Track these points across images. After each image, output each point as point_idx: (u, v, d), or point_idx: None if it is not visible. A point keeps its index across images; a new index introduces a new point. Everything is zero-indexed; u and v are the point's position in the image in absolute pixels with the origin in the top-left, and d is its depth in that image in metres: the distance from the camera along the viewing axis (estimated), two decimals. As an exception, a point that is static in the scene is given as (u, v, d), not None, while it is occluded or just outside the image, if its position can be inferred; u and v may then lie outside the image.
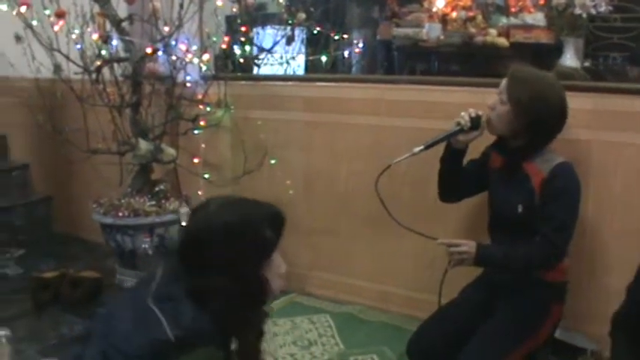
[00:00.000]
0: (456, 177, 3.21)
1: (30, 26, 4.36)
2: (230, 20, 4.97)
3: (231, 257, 1.88)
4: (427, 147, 3.07)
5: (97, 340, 1.90)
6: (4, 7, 4.39)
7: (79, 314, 4.24)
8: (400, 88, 4.10)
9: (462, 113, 3.07)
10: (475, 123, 3.05)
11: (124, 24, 4.40)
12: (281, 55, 4.74)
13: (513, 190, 2.98)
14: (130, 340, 1.80)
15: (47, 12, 4.36)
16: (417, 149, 3.05)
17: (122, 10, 4.45)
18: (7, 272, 5.03)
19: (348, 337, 3.79)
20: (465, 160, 3.22)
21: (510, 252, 2.88)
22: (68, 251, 5.43)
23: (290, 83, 4.54)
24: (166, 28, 4.30)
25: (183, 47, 4.35)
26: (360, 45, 5.36)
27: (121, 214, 4.25)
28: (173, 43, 4.32)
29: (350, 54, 5.17)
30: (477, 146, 3.21)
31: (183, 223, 4.24)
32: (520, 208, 2.94)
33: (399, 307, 4.09)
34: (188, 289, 1.87)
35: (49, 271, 4.61)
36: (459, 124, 3.06)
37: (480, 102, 3.21)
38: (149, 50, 4.24)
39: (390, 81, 4.28)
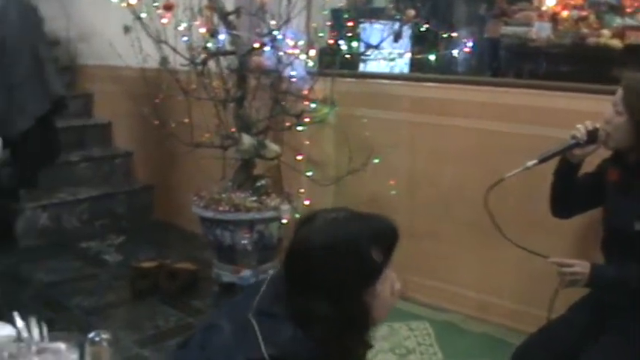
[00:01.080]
0: (569, 191, 3.05)
1: (138, 18, 4.39)
2: (337, 14, 4.90)
3: (332, 279, 1.77)
4: (541, 161, 2.93)
5: (193, 350, 1.85)
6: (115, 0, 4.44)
7: (175, 306, 4.27)
8: (509, 91, 3.96)
9: (578, 125, 2.91)
10: (592, 136, 2.89)
11: (231, 17, 4.38)
12: (389, 51, 4.65)
13: (631, 206, 2.82)
14: (224, 355, 1.74)
15: (155, 4, 4.39)
16: (530, 163, 2.91)
17: (229, 3, 4.44)
18: (107, 259, 5.11)
19: (447, 347, 3.69)
20: (580, 174, 3.07)
21: (627, 272, 2.73)
22: (166, 240, 5.49)
23: (397, 82, 4.45)
24: (273, 22, 4.26)
25: (290, 42, 4.31)
26: (470, 44, 5.22)
27: (221, 208, 4.23)
28: (280, 37, 4.27)
29: (459, 53, 5.03)
30: (592, 160, 3.06)
31: (284, 221, 4.21)
32: (637, 226, 2.78)
33: (501, 318, 3.96)
34: (289, 308, 1.78)
35: (148, 261, 4.65)
36: (575, 137, 2.91)
37: (593, 110, 3.06)
38: (257, 45, 4.20)
39: (501, 84, 4.14)
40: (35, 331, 1.82)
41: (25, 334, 1.80)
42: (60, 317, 4.10)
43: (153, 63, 4.58)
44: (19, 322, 1.84)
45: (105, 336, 1.79)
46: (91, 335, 1.80)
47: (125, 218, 5.85)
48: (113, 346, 1.83)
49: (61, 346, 1.78)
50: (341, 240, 1.76)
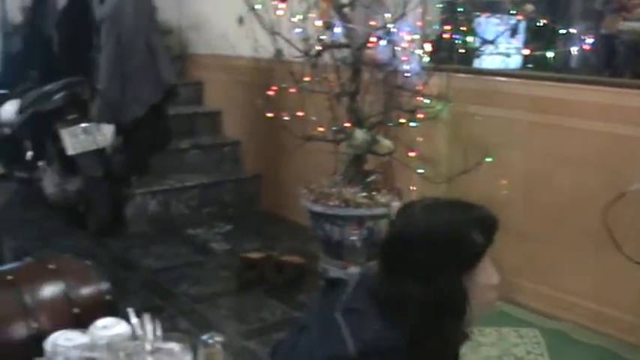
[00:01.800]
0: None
1: (253, 9, 4.39)
2: (451, 8, 4.78)
3: (432, 261, 1.72)
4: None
5: (285, 352, 1.83)
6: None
7: (281, 299, 4.25)
8: (630, 92, 3.78)
9: None
10: None
11: (346, 9, 4.33)
12: (505, 47, 4.52)
13: None
14: (311, 355, 1.71)
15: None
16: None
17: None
18: (214, 247, 5.14)
19: (558, 357, 3.55)
20: None
21: None
22: (273, 231, 5.48)
23: (515, 80, 4.31)
24: (388, 15, 4.19)
25: (405, 36, 4.22)
26: (590, 41, 5.03)
27: (331, 203, 4.18)
28: (394, 30, 4.20)
29: (578, 50, 4.84)
30: None
31: (392, 219, 4.13)
32: None
33: (617, 331, 3.78)
34: (380, 299, 1.74)
35: (255, 252, 4.65)
36: None
37: None
38: (373, 39, 4.14)
39: (627, 85, 3.95)
40: (149, 328, 1.80)
41: (139, 332, 1.79)
42: (167, 304, 4.14)
43: (265, 53, 4.57)
44: (134, 319, 1.83)
45: (218, 338, 1.76)
46: (204, 337, 1.77)
47: (232, 207, 5.88)
48: (227, 350, 1.80)
49: (175, 346, 1.76)
50: (441, 222, 1.74)
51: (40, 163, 5.53)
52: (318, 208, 4.25)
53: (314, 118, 4.37)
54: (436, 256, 1.70)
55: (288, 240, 5.21)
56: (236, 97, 6.13)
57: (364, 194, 4.22)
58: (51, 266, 1.88)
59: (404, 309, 1.69)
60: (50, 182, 5.38)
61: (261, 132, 5.76)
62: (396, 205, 4.15)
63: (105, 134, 5.23)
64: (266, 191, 5.97)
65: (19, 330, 1.77)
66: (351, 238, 4.16)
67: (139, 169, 5.44)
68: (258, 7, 4.37)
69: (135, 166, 5.41)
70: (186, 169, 5.90)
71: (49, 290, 1.84)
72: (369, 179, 4.30)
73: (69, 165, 5.22)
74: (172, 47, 6.41)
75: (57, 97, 5.17)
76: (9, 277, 1.81)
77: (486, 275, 1.76)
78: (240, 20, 4.41)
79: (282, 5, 4.34)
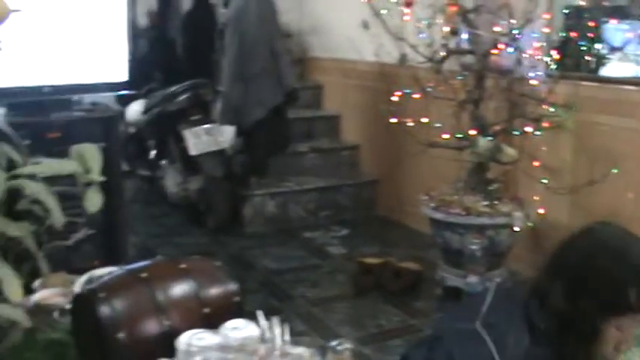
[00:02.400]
0: None
1: (378, 14, 4.37)
2: (577, 14, 4.64)
3: (586, 292, 1.67)
4: None
5: None
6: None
7: (398, 306, 4.22)
8: None
9: None
10: None
11: (471, 15, 4.26)
12: (634, 54, 4.36)
13: None
14: None
15: (393, 0, 4.35)
16: None
17: (469, 0, 4.32)
18: (330, 250, 5.14)
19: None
20: None
21: None
22: (389, 236, 5.45)
23: (645, 89, 4.16)
24: (514, 21, 4.10)
25: (531, 42, 4.13)
26: None
27: (452, 210, 4.13)
28: (520, 37, 4.11)
29: None
30: None
31: (516, 229, 4.05)
32: None
33: None
34: (525, 316, 1.70)
35: (372, 257, 4.63)
36: None
37: None
38: (501, 46, 4.07)
39: None
40: (277, 331, 1.80)
41: (268, 335, 1.79)
42: (284, 306, 4.16)
43: (387, 58, 4.54)
44: (263, 322, 1.84)
45: (348, 345, 1.74)
46: (333, 344, 1.76)
47: (349, 211, 5.87)
48: (357, 358, 1.79)
49: (304, 351, 1.75)
50: (613, 255, 1.70)
51: (163, 162, 5.67)
52: (438, 216, 4.20)
53: (439, 125, 4.31)
54: (592, 286, 1.69)
55: (405, 246, 5.17)
56: (355, 101, 6.14)
57: (486, 203, 4.14)
58: (182, 265, 1.91)
59: (546, 332, 1.66)
60: (172, 181, 5.51)
61: (379, 137, 5.75)
62: (519, 215, 4.07)
63: (226, 135, 5.32)
64: (383, 196, 5.93)
65: (152, 326, 1.79)
66: (471, 246, 4.09)
67: (258, 171, 5.50)
68: (383, 12, 4.35)
69: (254, 168, 5.48)
70: (304, 172, 5.93)
71: (181, 289, 1.86)
72: (490, 188, 4.22)
73: (190, 164, 5.33)
74: (292, 51, 6.46)
75: (181, 98, 5.29)
76: (143, 275, 1.85)
77: (610, 338, 1.70)
78: (365, 25, 4.38)
79: (407, 10, 4.30)
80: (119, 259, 3.98)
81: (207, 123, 5.26)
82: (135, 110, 5.76)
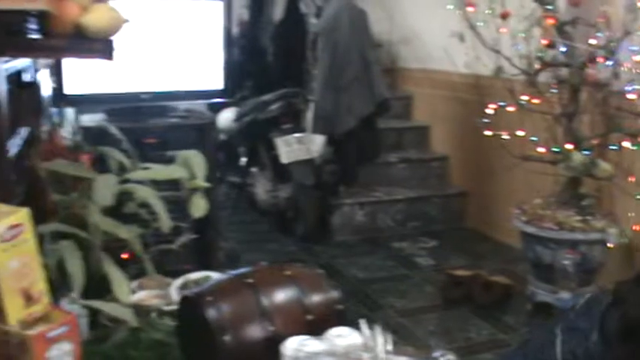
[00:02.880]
0: None
1: (473, 27, 4.36)
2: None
3: None
4: None
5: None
6: (450, 7, 4.45)
7: (487, 319, 4.19)
8: None
9: None
10: None
11: (567, 27, 4.21)
12: None
13: None
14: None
15: (488, 12, 4.33)
16: None
17: (566, 12, 4.27)
18: (419, 262, 5.14)
19: None
20: None
21: None
22: (478, 249, 5.41)
23: None
24: (611, 34, 4.04)
25: (629, 55, 4.06)
26: None
27: (544, 225, 4.08)
28: (618, 50, 4.05)
29: None
30: None
31: (609, 245, 3.98)
32: None
33: None
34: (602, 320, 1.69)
35: (462, 269, 4.62)
36: None
37: None
38: (598, 59, 4.01)
39: None
40: (380, 340, 1.82)
41: (371, 343, 1.81)
42: (374, 316, 4.17)
43: (479, 69, 4.53)
44: (366, 330, 1.86)
45: (451, 357, 1.75)
46: (436, 354, 1.76)
47: (437, 222, 5.86)
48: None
49: (407, 361, 1.76)
50: None
51: (253, 169, 5.75)
52: (530, 229, 4.16)
53: (534, 138, 4.27)
54: None
55: (494, 259, 5.12)
56: (445, 112, 6.12)
57: (579, 218, 4.09)
58: (287, 272, 1.94)
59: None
60: (262, 188, 5.58)
61: (469, 148, 5.72)
62: (613, 231, 4.00)
63: (316, 144, 5.37)
64: (472, 208, 5.90)
65: (257, 331, 1.82)
66: (563, 262, 4.03)
67: (347, 180, 5.54)
68: (479, 23, 4.34)
69: (344, 177, 5.51)
70: (393, 183, 5.95)
71: (285, 295, 1.89)
72: (584, 203, 4.15)
73: (281, 172, 5.40)
74: (382, 61, 6.48)
75: (274, 106, 5.36)
76: (249, 280, 1.88)
77: None
78: (461, 37, 4.39)
79: (502, 22, 4.28)
80: (209, 264, 4.07)
81: (298, 131, 5.31)
82: (226, 118, 5.85)
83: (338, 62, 5.28)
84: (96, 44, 2.10)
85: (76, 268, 1.91)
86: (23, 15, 1.91)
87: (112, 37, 2.13)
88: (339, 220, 5.55)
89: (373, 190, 5.79)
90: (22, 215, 1.54)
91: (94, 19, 2.06)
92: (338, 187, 5.54)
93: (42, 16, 1.96)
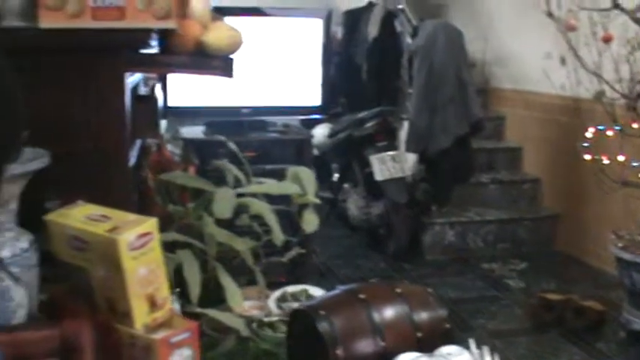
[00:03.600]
0: None
1: (574, 49, 4.35)
2: None
3: None
4: None
5: None
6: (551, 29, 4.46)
7: (579, 345, 4.15)
8: None
9: None
10: None
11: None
12: None
13: None
14: None
15: (589, 35, 4.32)
16: None
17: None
18: (509, 283, 5.11)
19: None
20: None
21: None
22: (569, 273, 5.35)
23: None
24: None
25: None
26: None
27: (640, 252, 4.04)
28: None
29: None
30: None
31: None
32: None
33: None
34: None
35: (553, 293, 4.58)
36: None
37: None
38: None
39: None
40: (488, 360, 1.84)
41: (479, 363, 1.83)
42: (466, 336, 4.16)
43: (578, 92, 4.50)
44: (475, 350, 1.88)
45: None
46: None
47: (527, 244, 5.82)
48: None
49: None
50: None
51: (345, 186, 5.80)
52: (626, 256, 4.11)
53: (636, 164, 4.22)
54: None
55: (586, 284, 5.05)
56: (538, 134, 6.09)
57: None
58: (397, 289, 1.98)
59: None
60: (354, 204, 5.63)
61: (563, 171, 5.68)
62: None
63: (410, 162, 5.40)
64: (563, 232, 5.83)
65: (368, 345, 1.87)
66: (660, 290, 3.98)
67: (440, 199, 5.55)
68: (580, 45, 4.33)
69: (437, 196, 5.52)
70: (484, 203, 5.94)
71: (396, 312, 1.93)
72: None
73: (374, 189, 5.44)
74: (475, 80, 6.47)
75: (369, 124, 5.41)
76: (361, 296, 1.93)
77: None
78: (562, 60, 4.38)
79: (604, 46, 4.26)
80: (303, 277, 4.13)
81: (392, 150, 5.35)
82: (319, 134, 5.92)
83: (434, 81, 5.31)
84: (216, 61, 2.19)
85: (193, 276, 1.99)
86: (148, 32, 2.01)
87: (231, 55, 2.22)
88: (430, 239, 5.57)
89: (464, 210, 5.79)
90: (150, 224, 1.60)
91: (215, 37, 2.15)
92: (430, 206, 5.56)
93: (166, 34, 2.06)
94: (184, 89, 4.66)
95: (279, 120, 4.91)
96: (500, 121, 6.64)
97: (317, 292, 2.48)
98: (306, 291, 2.48)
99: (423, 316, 1.97)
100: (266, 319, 2.26)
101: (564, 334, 4.27)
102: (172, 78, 4.38)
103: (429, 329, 1.96)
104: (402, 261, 5.38)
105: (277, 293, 2.40)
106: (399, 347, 1.87)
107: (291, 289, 2.45)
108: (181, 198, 2.47)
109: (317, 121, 5.95)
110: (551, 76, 4.89)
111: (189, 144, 3.94)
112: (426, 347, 1.90)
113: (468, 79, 5.47)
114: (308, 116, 5.29)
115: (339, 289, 2.07)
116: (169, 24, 1.89)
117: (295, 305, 2.38)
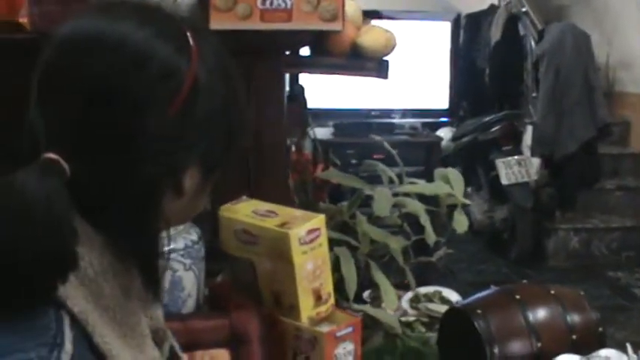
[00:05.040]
0: None
1: None
2: None
3: None
4: None
5: None
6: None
7: None
8: None
9: None
10: None
11: None
12: None
13: None
14: None
15: None
16: None
17: None
18: (636, 293, 5.01)
19: None
20: None
21: None
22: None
23: None
24: None
25: None
26: None
27: None
28: None
29: None
30: None
31: None
32: None
33: None
34: None
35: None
36: None
37: None
38: None
39: None
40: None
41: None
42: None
43: None
44: (632, 355, 1.88)
45: None
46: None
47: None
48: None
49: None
50: None
51: (468, 189, 5.79)
52: None
53: None
54: None
55: None
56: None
57: None
58: (552, 291, 1.99)
59: None
60: (478, 208, 5.62)
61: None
62: None
63: (535, 167, 5.36)
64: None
65: (524, 346, 1.88)
66: None
67: (565, 205, 5.49)
68: None
69: (562, 201, 5.46)
70: (609, 210, 5.84)
71: (551, 313, 1.94)
72: None
73: (498, 194, 5.42)
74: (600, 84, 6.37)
75: (495, 128, 5.39)
76: (516, 296, 1.95)
77: None
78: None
79: None
80: (426, 280, 4.14)
81: (517, 154, 5.32)
82: (442, 137, 5.93)
83: (560, 85, 5.26)
84: (371, 63, 2.23)
85: (350, 273, 2.04)
86: (307, 34, 2.07)
87: (386, 57, 2.25)
88: (553, 245, 5.51)
89: (589, 216, 5.71)
90: (319, 220, 1.66)
91: (371, 39, 2.19)
92: (555, 211, 5.50)
93: (321, 36, 2.11)
94: (313, 91, 4.74)
95: (407, 122, 4.95)
96: (626, 126, 6.50)
97: (450, 294, 2.51)
98: (439, 293, 2.50)
99: (576, 318, 1.98)
100: (403, 319, 2.29)
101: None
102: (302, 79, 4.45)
103: (583, 332, 1.96)
104: (524, 266, 5.34)
105: (410, 294, 2.43)
106: (554, 349, 1.88)
107: (423, 290, 2.48)
108: (318, 198, 2.54)
109: (440, 125, 5.95)
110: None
111: (320, 145, 4.01)
112: (580, 350, 1.90)
113: (595, 82, 5.40)
114: (436, 119, 5.31)
115: (494, 289, 2.09)
116: (336, 26, 1.94)
117: (430, 306, 2.43)
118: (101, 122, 0.92)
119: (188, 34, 0.99)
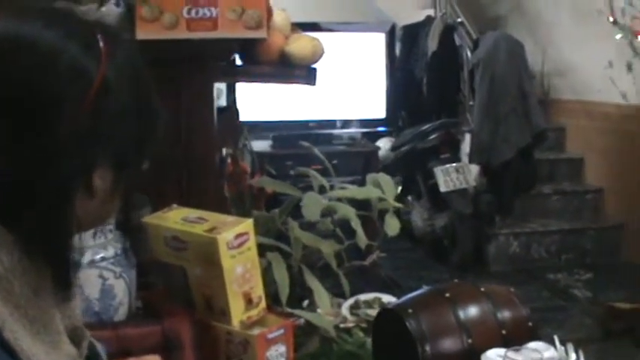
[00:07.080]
0: None
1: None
2: None
3: None
4: None
5: None
6: (618, 36, 4.46)
7: (650, 354, 4.13)
8: None
9: None
10: None
11: None
12: None
13: None
14: None
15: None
16: None
17: None
18: (575, 293, 5.10)
19: None
20: None
21: None
22: (637, 282, 5.27)
23: None
24: None
25: None
26: None
27: None
28: None
29: None
30: None
31: None
32: None
33: None
34: None
35: (622, 302, 4.55)
36: None
37: None
38: None
39: None
40: (573, 357, 1.88)
41: (564, 357, 1.87)
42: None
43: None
44: (560, 347, 1.92)
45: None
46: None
47: (591, 255, 5.79)
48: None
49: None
50: None
51: (408, 198, 5.84)
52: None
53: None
54: None
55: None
56: (600, 144, 6.06)
57: None
58: (481, 289, 2.03)
59: None
60: (418, 216, 5.68)
61: (628, 181, 5.65)
62: None
63: (473, 174, 5.43)
64: (629, 242, 5.79)
65: (455, 343, 1.91)
66: None
67: (503, 210, 5.57)
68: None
69: (500, 207, 5.54)
70: (547, 214, 5.94)
71: (481, 310, 1.98)
72: None
73: (437, 201, 5.48)
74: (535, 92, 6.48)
75: (433, 136, 5.45)
76: (447, 295, 1.98)
77: None
78: (629, 67, 4.38)
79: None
80: (367, 286, 4.16)
81: (455, 161, 5.39)
82: (381, 147, 5.98)
83: (495, 93, 5.35)
84: (299, 71, 2.26)
85: (282, 278, 2.06)
86: (238, 43, 2.09)
87: (313, 65, 2.28)
88: (494, 250, 5.58)
89: (527, 221, 5.80)
90: (247, 225, 1.68)
91: (299, 47, 2.22)
92: (494, 216, 5.58)
93: (249, 45, 2.13)
94: (250, 103, 4.76)
95: (345, 133, 4.99)
96: (561, 131, 6.62)
97: (390, 299, 2.53)
98: (379, 299, 2.52)
99: (506, 314, 2.02)
100: (342, 326, 2.31)
101: (635, 342, 4.24)
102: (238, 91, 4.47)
103: (513, 327, 2.00)
104: (466, 272, 5.38)
105: (350, 301, 2.45)
106: (484, 344, 1.91)
107: (363, 297, 2.50)
108: (256, 209, 2.55)
109: (379, 135, 6.00)
110: (613, 84, 4.88)
111: (258, 157, 4.02)
112: (511, 345, 1.93)
113: (529, 90, 5.50)
114: (374, 129, 5.35)
115: (425, 289, 2.13)
116: (261, 34, 1.96)
117: (369, 312, 2.45)
118: (11, 121, 0.93)
119: (98, 36, 1.00)
